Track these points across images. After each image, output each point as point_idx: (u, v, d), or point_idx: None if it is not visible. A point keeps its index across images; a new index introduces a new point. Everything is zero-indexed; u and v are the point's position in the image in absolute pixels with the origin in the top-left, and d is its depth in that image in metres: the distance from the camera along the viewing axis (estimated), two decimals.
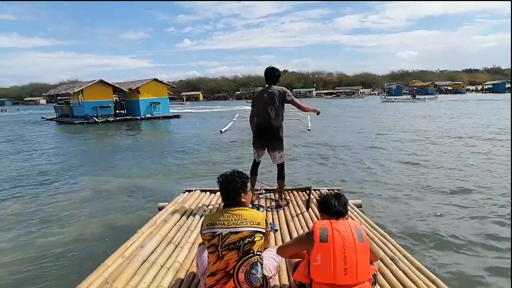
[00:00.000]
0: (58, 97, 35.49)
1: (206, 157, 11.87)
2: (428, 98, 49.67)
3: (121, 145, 16.54)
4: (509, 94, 64.47)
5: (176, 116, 32.65)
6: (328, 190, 5.11)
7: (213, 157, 11.76)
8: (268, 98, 4.43)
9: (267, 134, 4.49)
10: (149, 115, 31.31)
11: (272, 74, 4.49)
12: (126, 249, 3.16)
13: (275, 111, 4.41)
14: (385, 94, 64.88)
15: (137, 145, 15.98)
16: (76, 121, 28.67)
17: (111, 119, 29.61)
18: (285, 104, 4.49)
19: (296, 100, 4.48)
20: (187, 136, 18.49)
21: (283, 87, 4.52)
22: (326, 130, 18.80)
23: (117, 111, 31.85)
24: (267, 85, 4.54)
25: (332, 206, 2.26)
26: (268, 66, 4.54)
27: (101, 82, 30.69)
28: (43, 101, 32.93)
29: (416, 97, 52.70)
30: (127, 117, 30.81)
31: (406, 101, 49.44)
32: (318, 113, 4.82)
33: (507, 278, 3.78)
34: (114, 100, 32.83)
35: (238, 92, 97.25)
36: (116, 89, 31.79)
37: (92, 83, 30.39)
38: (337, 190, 5.02)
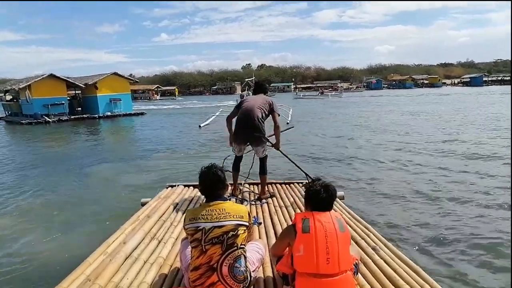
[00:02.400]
0: (7, 94, 32.24)
1: (176, 162, 10.17)
2: (332, 95, 54.65)
3: (59, 150, 13.92)
4: (486, 87, 66.43)
5: (140, 114, 30.37)
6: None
7: (186, 164, 9.84)
8: (256, 101, 4.55)
9: (249, 129, 4.46)
10: (109, 113, 28.61)
11: (262, 86, 4.83)
12: (108, 245, 3.11)
13: (261, 114, 4.46)
14: (364, 88, 67.43)
15: (82, 151, 13.29)
16: (23, 121, 25.29)
17: (64, 118, 26.62)
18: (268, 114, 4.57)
19: (277, 117, 4.59)
20: (153, 136, 16.61)
21: (271, 98, 4.69)
22: (305, 124, 18.98)
23: (76, 109, 29.24)
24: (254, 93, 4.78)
25: (320, 201, 2.24)
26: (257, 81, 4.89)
27: (52, 76, 27.49)
28: (9, 97, 30.32)
29: (324, 93, 57.48)
30: (83, 116, 27.93)
31: (315, 97, 52.88)
32: (277, 147, 4.72)
33: (485, 267, 3.93)
34: (71, 97, 30.36)
35: (215, 87, 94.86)
36: (70, 85, 28.80)
37: (41, 77, 27.03)
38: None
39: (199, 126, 18.88)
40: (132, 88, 72.86)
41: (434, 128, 15.31)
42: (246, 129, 4.47)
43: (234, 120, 4.66)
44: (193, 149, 12.47)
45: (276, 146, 4.67)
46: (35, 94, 26.44)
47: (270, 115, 4.58)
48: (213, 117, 20.94)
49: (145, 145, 14.25)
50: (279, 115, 4.64)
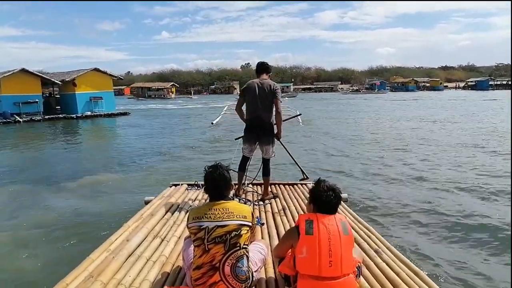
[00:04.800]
0: None
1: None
2: None
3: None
4: (492, 91, 65.92)
5: (124, 114, 28.10)
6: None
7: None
8: (261, 90, 4.34)
9: (260, 128, 4.43)
10: (88, 113, 26.49)
11: (264, 65, 4.50)
12: (111, 243, 3.13)
13: (268, 104, 4.36)
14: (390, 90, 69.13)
15: (32, 162, 10.86)
16: None
17: (38, 117, 24.23)
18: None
19: (279, 103, 4.40)
20: (139, 142, 14.31)
21: (275, 82, 4.45)
22: (315, 124, 18.95)
23: (55, 108, 27.12)
24: (258, 77, 4.46)
25: (326, 203, 2.22)
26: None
27: (24, 71, 25.09)
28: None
29: None
30: (59, 116, 25.60)
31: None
32: (278, 137, 4.62)
33: (488, 272, 3.91)
34: (47, 94, 28.44)
35: (213, 86, 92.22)
36: (46, 81, 26.41)
37: (12, 72, 24.40)
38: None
39: (211, 123, 19.08)
40: (145, 86, 72.13)
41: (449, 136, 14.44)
42: (257, 129, 4.43)
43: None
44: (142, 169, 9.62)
45: (277, 135, 4.58)
46: (5, 91, 23.95)
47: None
48: (221, 115, 21.10)
49: (113, 156, 11.83)
50: (281, 101, 4.44)
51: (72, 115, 25.94)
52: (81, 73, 27.10)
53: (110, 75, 29.33)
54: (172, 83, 75.31)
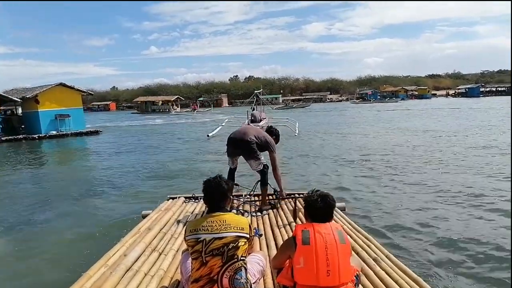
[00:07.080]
0: None
1: None
2: (197, 111, 57.93)
3: None
4: (483, 98, 66.59)
5: (94, 132, 25.36)
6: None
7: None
8: (251, 128, 4.82)
9: (238, 143, 4.60)
10: (54, 132, 23.77)
11: (270, 130, 4.99)
12: (108, 258, 3.11)
13: (253, 135, 4.57)
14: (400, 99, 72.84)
15: None
16: None
17: None
18: (262, 147, 4.63)
19: (274, 157, 4.64)
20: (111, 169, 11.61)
21: (272, 140, 4.73)
22: (312, 135, 18.98)
23: (20, 128, 24.66)
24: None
25: (318, 211, 2.26)
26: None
27: None
28: None
29: (196, 110, 61.82)
30: (18, 137, 22.83)
31: (187, 114, 52.52)
32: (281, 196, 4.81)
33: (489, 280, 3.90)
34: (9, 113, 26.38)
35: (201, 99, 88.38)
36: (4, 99, 23.86)
37: None
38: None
39: (207, 135, 18.93)
40: (149, 100, 69.97)
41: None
42: (236, 143, 4.62)
43: None
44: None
45: (280, 194, 4.78)
46: None
47: (267, 151, 4.68)
48: (220, 127, 20.97)
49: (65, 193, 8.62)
50: (275, 153, 4.67)
51: (34, 135, 23.21)
52: (44, 89, 24.42)
53: (78, 90, 26.69)
54: (177, 96, 72.31)
